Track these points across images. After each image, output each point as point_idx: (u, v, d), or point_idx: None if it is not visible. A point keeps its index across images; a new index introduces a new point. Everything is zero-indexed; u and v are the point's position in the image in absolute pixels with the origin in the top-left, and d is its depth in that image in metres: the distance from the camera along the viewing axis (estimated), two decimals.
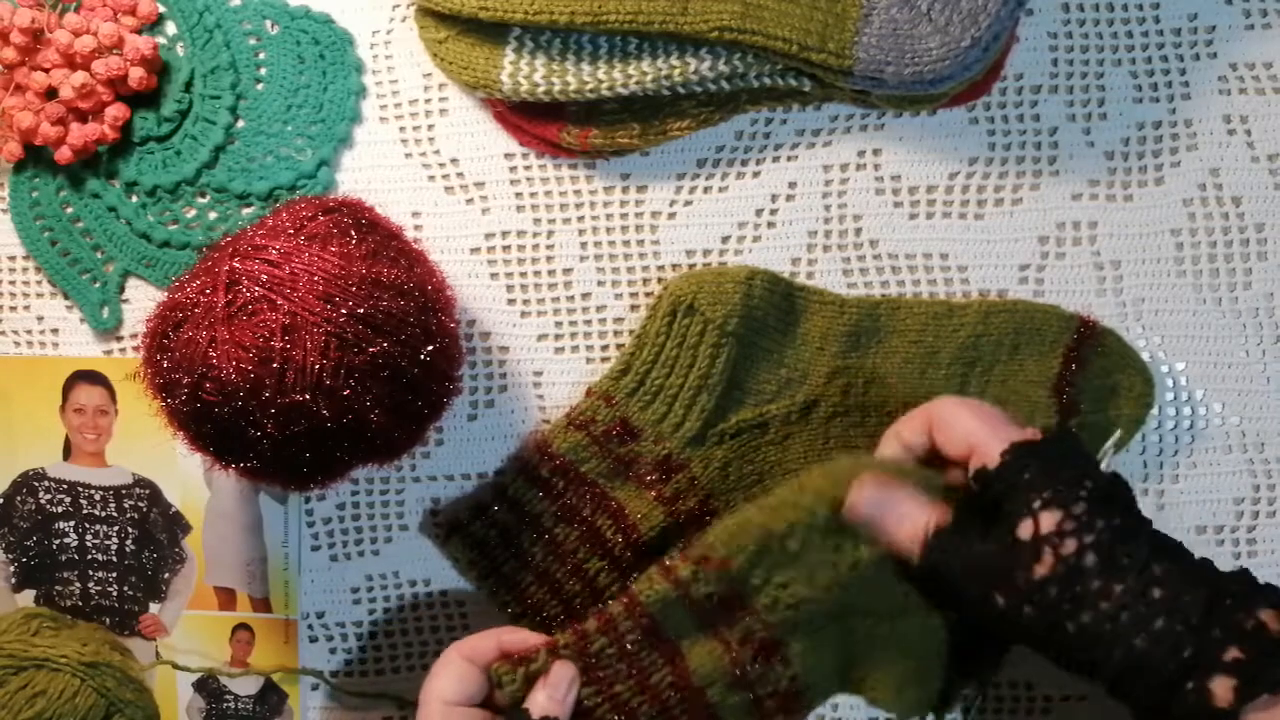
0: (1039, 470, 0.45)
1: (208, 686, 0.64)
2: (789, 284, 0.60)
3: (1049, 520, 0.44)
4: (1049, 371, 0.58)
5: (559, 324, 0.61)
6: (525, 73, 0.58)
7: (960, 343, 0.58)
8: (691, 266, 0.61)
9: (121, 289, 0.63)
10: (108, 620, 0.64)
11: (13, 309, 0.64)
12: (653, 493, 0.59)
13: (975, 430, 0.48)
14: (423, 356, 0.51)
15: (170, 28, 0.62)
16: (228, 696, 0.64)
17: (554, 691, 0.49)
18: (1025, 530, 0.44)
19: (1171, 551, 0.44)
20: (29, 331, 0.64)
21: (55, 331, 0.64)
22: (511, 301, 0.62)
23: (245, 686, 0.64)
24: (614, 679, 0.50)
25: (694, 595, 0.50)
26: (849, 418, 0.59)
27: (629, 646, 0.50)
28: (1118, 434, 0.56)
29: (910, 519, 0.47)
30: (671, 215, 0.61)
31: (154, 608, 0.64)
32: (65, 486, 0.64)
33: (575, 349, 0.61)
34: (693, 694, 0.49)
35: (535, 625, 0.59)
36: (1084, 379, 0.57)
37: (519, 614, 0.60)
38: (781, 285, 0.59)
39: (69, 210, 0.63)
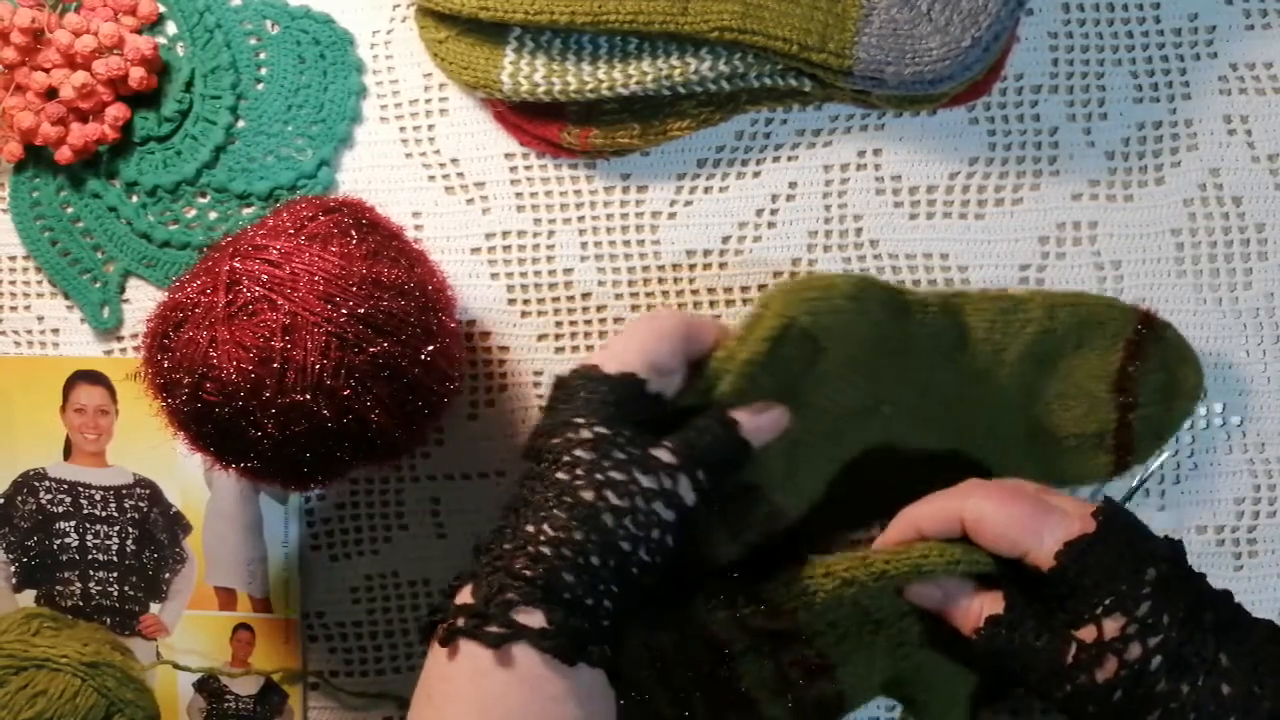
0: (1097, 569, 0.43)
1: (208, 686, 0.64)
2: (885, 287, 0.54)
3: (1112, 626, 0.42)
4: (1110, 366, 0.56)
5: (559, 324, 0.61)
6: (525, 73, 0.58)
7: (1028, 340, 0.55)
8: (692, 267, 0.61)
9: (122, 289, 0.63)
10: (108, 620, 0.64)
11: (13, 309, 0.64)
12: None
13: (1021, 536, 0.45)
14: (423, 356, 0.51)
15: (170, 28, 0.62)
16: (228, 696, 0.64)
17: (761, 423, 0.49)
18: (1088, 634, 0.43)
19: (1239, 631, 0.43)
20: (29, 331, 0.64)
21: (56, 331, 0.64)
22: (512, 301, 0.62)
23: (246, 686, 0.64)
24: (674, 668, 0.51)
25: (750, 625, 0.51)
26: (923, 420, 0.56)
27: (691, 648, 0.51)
28: (1171, 446, 0.57)
29: (963, 601, 0.47)
30: (672, 215, 0.61)
31: (154, 608, 0.64)
32: (66, 486, 0.64)
33: (575, 349, 0.61)
34: (739, 697, 0.51)
35: None
36: (1144, 374, 0.56)
37: None
38: (877, 289, 0.53)
39: (69, 210, 0.63)
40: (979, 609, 0.46)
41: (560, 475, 0.44)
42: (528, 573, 0.41)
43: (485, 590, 0.42)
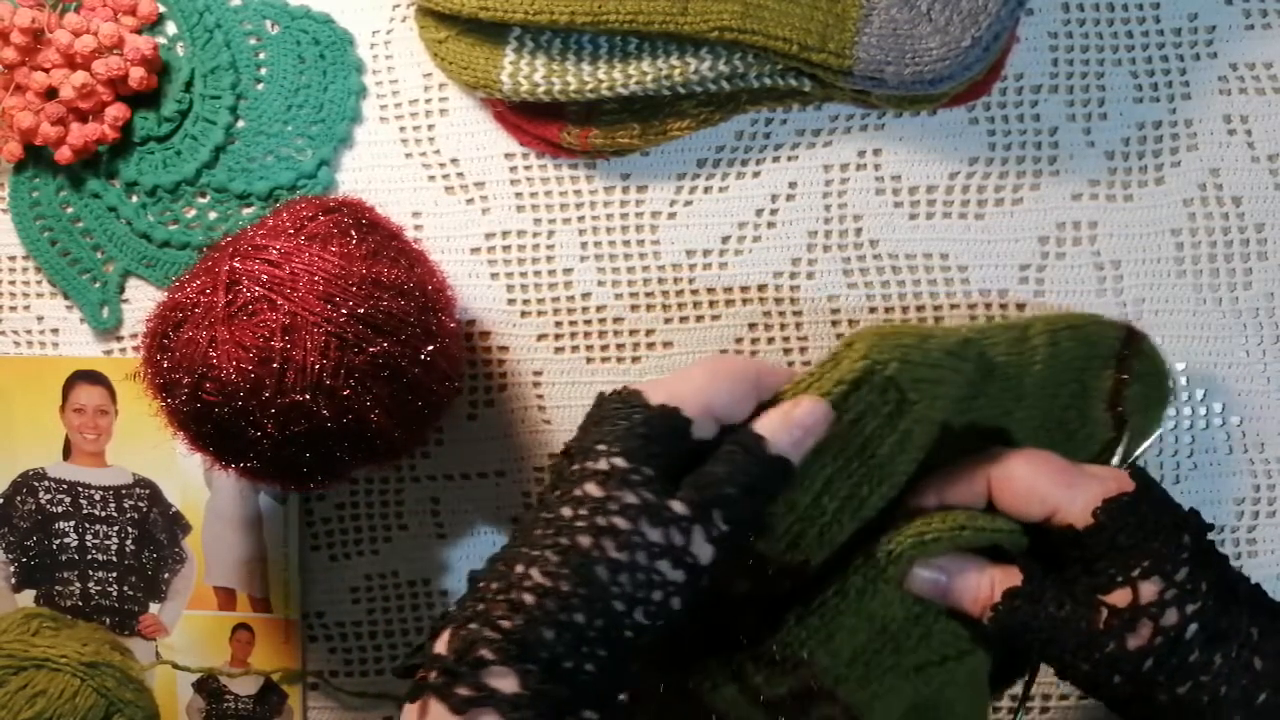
0: (1135, 530, 0.42)
1: (208, 686, 0.64)
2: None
3: (1150, 590, 0.40)
4: (1105, 385, 0.54)
5: (559, 324, 0.61)
6: (525, 73, 0.58)
7: (1036, 374, 0.52)
8: (692, 267, 0.61)
9: (121, 289, 0.63)
10: (108, 620, 0.64)
11: (12, 309, 0.64)
12: None
13: (1052, 489, 0.43)
14: (423, 356, 0.51)
15: (170, 28, 0.62)
16: (228, 696, 0.64)
17: (794, 428, 0.42)
18: (1121, 599, 0.41)
19: (1268, 609, 0.42)
20: (29, 331, 0.64)
21: (55, 331, 0.64)
22: (511, 301, 0.62)
23: (245, 686, 0.64)
24: None
25: (766, 695, 0.45)
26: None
27: None
28: (1156, 435, 0.55)
29: (973, 579, 0.44)
30: (672, 215, 0.61)
31: (154, 608, 0.64)
32: (65, 486, 0.64)
33: (575, 349, 0.61)
34: None
35: None
36: (1133, 390, 0.54)
37: None
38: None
39: (69, 210, 0.63)
40: (989, 586, 0.44)
41: (564, 510, 0.39)
42: (505, 623, 0.37)
43: (459, 642, 0.37)
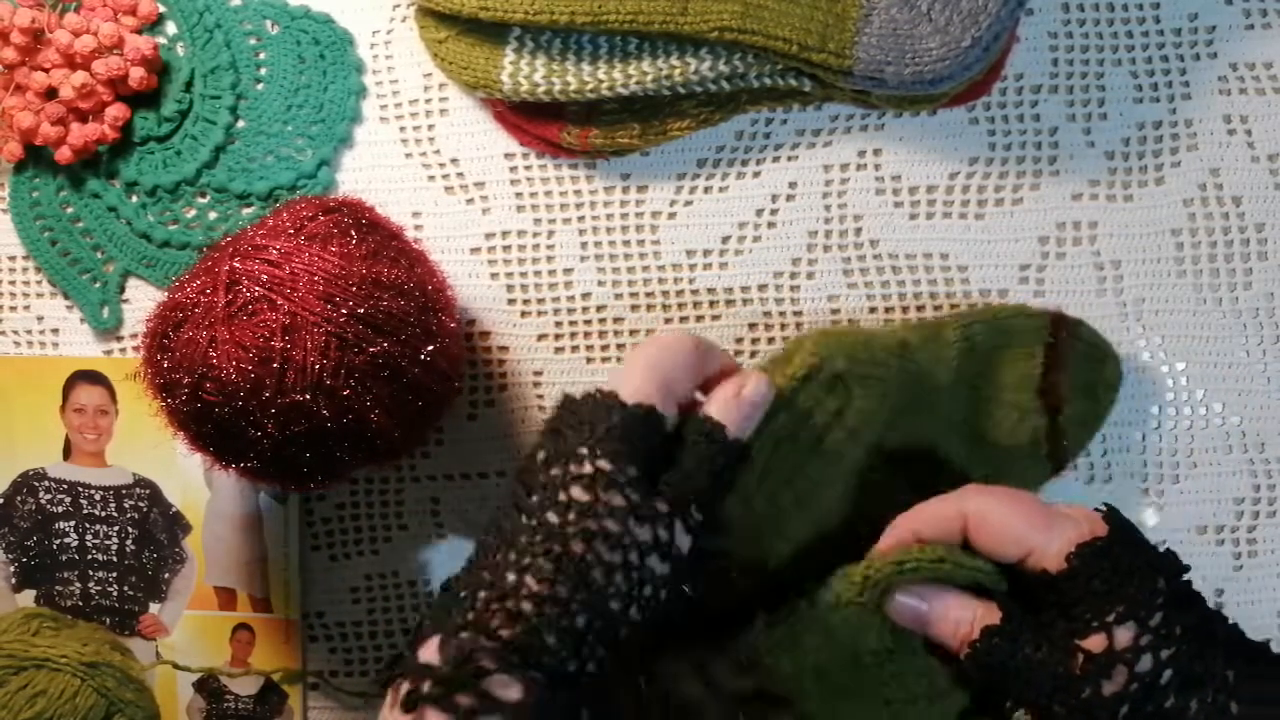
0: (1109, 575, 0.41)
1: (208, 686, 0.64)
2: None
3: (1124, 636, 0.40)
4: (1033, 373, 0.56)
5: (559, 324, 0.61)
6: (525, 73, 0.58)
7: (954, 365, 0.55)
8: (692, 267, 0.61)
9: (122, 289, 0.63)
10: (108, 620, 0.64)
11: (13, 309, 0.64)
12: None
13: (1028, 531, 0.43)
14: (423, 356, 0.51)
15: (170, 28, 0.62)
16: (228, 696, 0.64)
17: (744, 406, 0.44)
18: (1096, 644, 0.40)
19: (1246, 651, 0.42)
20: (29, 331, 0.64)
21: (55, 331, 0.64)
22: (511, 301, 0.62)
23: (245, 686, 0.64)
24: None
25: (729, 688, 0.46)
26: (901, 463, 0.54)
27: None
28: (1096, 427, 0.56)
29: (954, 611, 0.44)
30: (672, 215, 0.61)
31: (154, 608, 0.64)
32: (65, 486, 0.64)
33: (575, 349, 0.61)
34: None
35: None
36: (1066, 376, 0.56)
37: None
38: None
39: (69, 210, 0.63)
40: (970, 621, 0.43)
41: (550, 517, 0.40)
42: (504, 633, 0.37)
43: (455, 650, 0.37)
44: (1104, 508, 0.44)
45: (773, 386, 0.46)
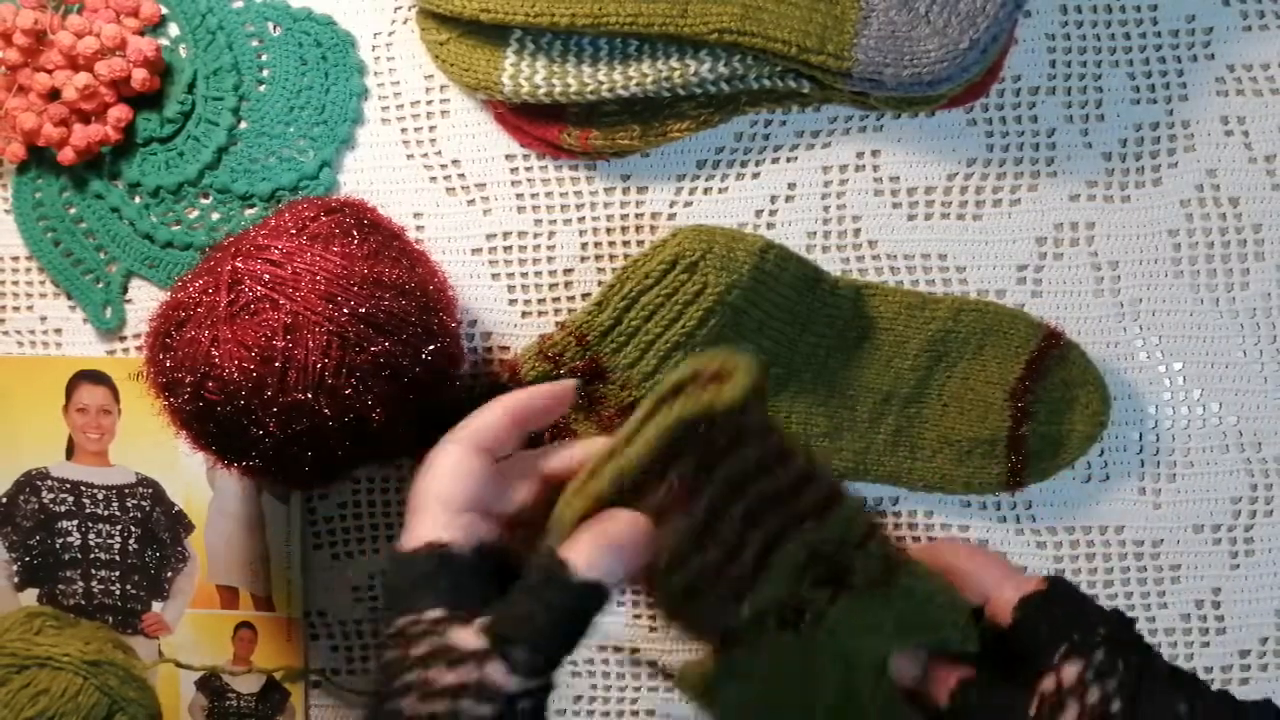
0: (1053, 620, 0.45)
1: (210, 685, 0.64)
2: (800, 261, 0.58)
3: (1070, 672, 0.43)
4: (1009, 375, 0.58)
5: (559, 324, 0.62)
6: (526, 74, 0.58)
7: (929, 335, 0.58)
8: None
9: (124, 289, 0.63)
10: (110, 619, 0.65)
11: (16, 309, 0.65)
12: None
13: (985, 576, 0.47)
14: (424, 356, 0.51)
15: (173, 29, 0.63)
16: (230, 695, 0.64)
17: (609, 548, 0.40)
18: (1048, 684, 0.43)
19: (1190, 685, 0.44)
20: (32, 331, 0.65)
21: (58, 331, 0.65)
22: (512, 301, 0.62)
23: (247, 685, 0.64)
24: None
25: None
26: (814, 395, 0.59)
27: None
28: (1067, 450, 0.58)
29: (939, 674, 0.47)
30: (671, 216, 0.61)
31: (157, 606, 0.64)
32: (68, 486, 0.64)
33: None
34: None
35: None
36: (1042, 388, 0.58)
37: None
38: (793, 263, 0.58)
39: (72, 211, 0.63)
40: (954, 676, 0.47)
41: (381, 677, 0.40)
42: None
43: None
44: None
45: (648, 526, 0.41)
